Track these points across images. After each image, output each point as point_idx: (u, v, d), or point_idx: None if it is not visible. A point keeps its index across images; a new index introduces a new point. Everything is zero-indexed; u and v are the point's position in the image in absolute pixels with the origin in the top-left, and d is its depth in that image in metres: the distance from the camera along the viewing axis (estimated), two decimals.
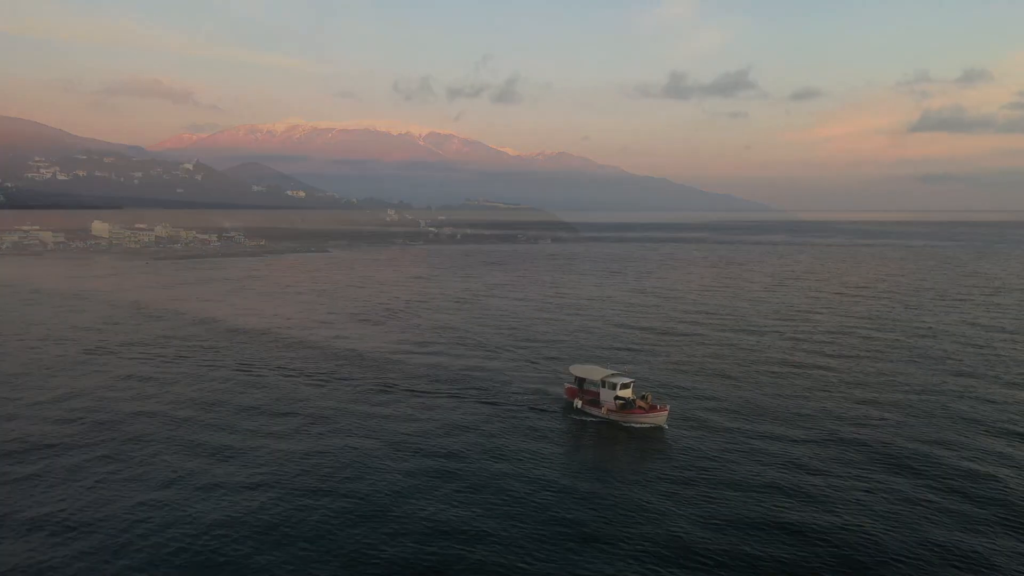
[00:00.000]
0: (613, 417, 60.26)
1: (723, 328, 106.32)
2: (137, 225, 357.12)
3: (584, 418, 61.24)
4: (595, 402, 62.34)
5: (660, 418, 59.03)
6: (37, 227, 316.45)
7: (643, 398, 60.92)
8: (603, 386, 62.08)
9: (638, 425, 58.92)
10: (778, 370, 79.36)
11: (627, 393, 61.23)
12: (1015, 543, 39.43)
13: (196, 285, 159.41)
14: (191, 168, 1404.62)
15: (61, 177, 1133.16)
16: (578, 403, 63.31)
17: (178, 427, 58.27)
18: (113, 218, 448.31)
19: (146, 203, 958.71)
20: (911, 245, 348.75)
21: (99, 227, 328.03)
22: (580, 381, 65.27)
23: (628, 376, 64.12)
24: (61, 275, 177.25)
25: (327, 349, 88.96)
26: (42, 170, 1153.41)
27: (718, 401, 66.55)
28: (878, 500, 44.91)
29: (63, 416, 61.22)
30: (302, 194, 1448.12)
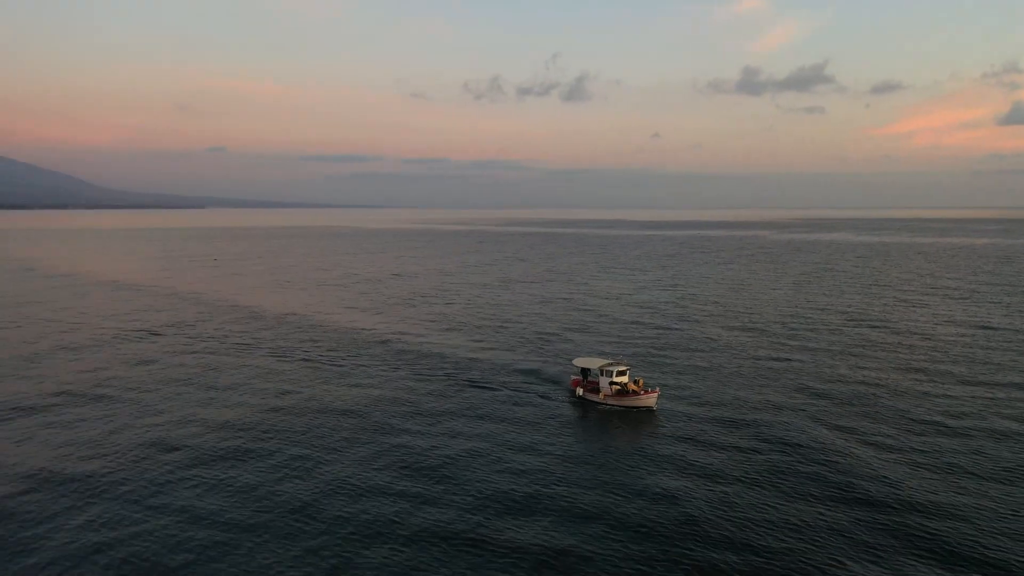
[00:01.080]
0: (610, 402, 66.09)
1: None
2: None
3: (585, 404, 67.28)
4: (595, 389, 68.18)
5: (650, 400, 64.81)
6: None
7: (635, 383, 66.84)
8: (601, 374, 67.97)
9: (633, 407, 64.87)
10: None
11: (622, 379, 66.95)
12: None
13: None
14: None
15: None
16: (580, 391, 69.26)
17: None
18: None
19: None
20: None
21: None
22: (584, 372, 71.06)
23: (624, 364, 69.78)
24: None
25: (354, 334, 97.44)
26: None
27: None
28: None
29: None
30: None
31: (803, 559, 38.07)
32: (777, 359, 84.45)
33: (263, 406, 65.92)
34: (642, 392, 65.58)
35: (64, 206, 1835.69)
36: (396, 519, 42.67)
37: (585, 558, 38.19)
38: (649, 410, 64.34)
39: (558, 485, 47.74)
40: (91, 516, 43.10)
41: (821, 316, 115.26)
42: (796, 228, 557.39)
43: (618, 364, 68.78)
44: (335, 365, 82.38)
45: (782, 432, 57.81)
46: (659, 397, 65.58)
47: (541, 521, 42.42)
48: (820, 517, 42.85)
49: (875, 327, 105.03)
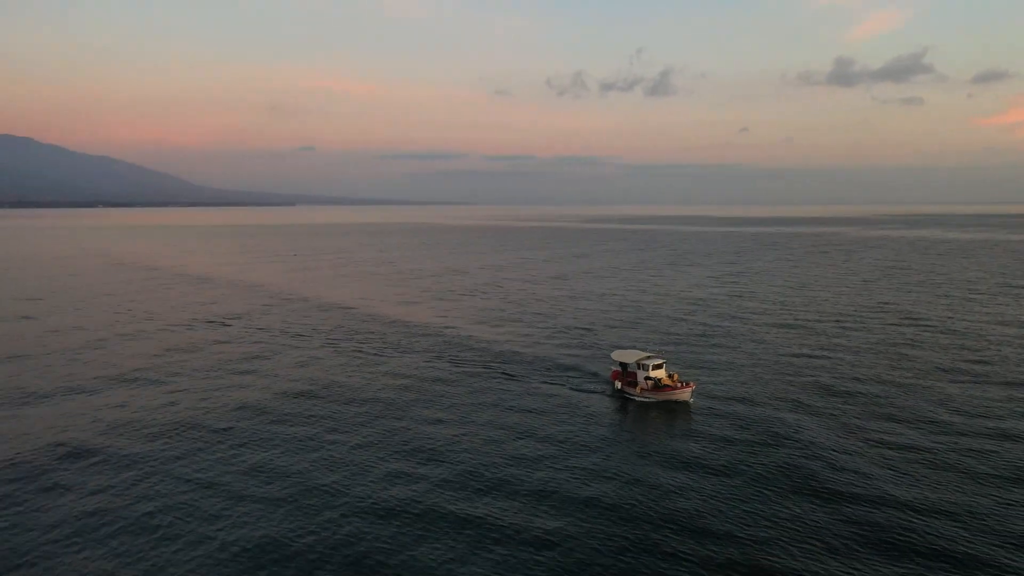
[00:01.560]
0: (646, 395, 66.29)
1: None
2: None
3: (623, 397, 67.67)
4: (633, 383, 68.45)
5: (685, 394, 64.76)
6: None
7: (671, 377, 66.86)
8: (638, 368, 68.17)
9: (668, 400, 65.00)
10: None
11: (658, 373, 66.99)
12: None
13: None
14: None
15: None
16: (618, 384, 69.66)
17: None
18: None
19: None
20: None
21: None
22: (623, 365, 71.32)
23: (661, 358, 69.75)
24: None
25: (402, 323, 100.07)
26: None
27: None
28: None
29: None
30: None
31: (819, 559, 37.82)
32: (822, 358, 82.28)
33: (301, 390, 68.92)
34: (677, 386, 65.59)
35: (165, 204, 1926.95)
36: (424, 500, 44.42)
37: (594, 549, 38.93)
38: (684, 404, 64.31)
39: (581, 475, 48.33)
40: (167, 470, 46.67)
41: (878, 315, 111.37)
42: (883, 224, 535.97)
43: (654, 358, 68.85)
44: (394, 354, 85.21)
45: (814, 435, 56.45)
46: (695, 391, 65.54)
47: (558, 508, 43.30)
48: (841, 519, 42.27)
49: (930, 327, 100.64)
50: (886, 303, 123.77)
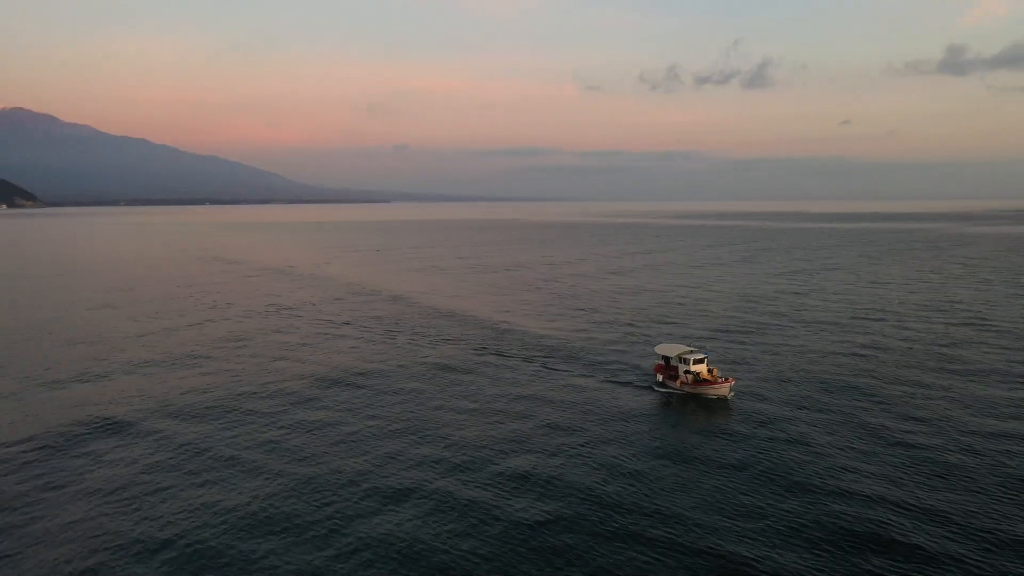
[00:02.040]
0: (686, 389, 66.04)
1: None
2: None
3: (664, 390, 67.60)
4: (674, 376, 68.24)
5: (723, 389, 64.17)
6: None
7: (710, 372, 66.26)
8: (680, 362, 67.89)
9: (705, 395, 64.56)
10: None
11: (699, 368, 66.52)
12: None
13: None
14: None
15: None
16: (659, 377, 69.57)
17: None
18: None
19: None
20: None
21: None
22: (666, 359, 71.11)
23: (703, 353, 69.20)
24: None
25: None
26: None
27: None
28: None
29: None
30: None
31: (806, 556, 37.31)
32: (871, 358, 79.30)
33: (344, 376, 71.67)
34: (717, 381, 65.04)
35: (267, 201, 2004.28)
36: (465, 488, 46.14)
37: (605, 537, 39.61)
38: (723, 399, 63.73)
39: (593, 463, 48.97)
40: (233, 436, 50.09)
41: (943, 315, 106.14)
42: (987, 220, 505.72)
43: (696, 353, 68.36)
44: (446, 344, 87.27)
45: (850, 441, 55.02)
46: (734, 387, 64.78)
47: (556, 495, 44.15)
48: (824, 519, 41.45)
49: (995, 329, 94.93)
50: (956, 302, 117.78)
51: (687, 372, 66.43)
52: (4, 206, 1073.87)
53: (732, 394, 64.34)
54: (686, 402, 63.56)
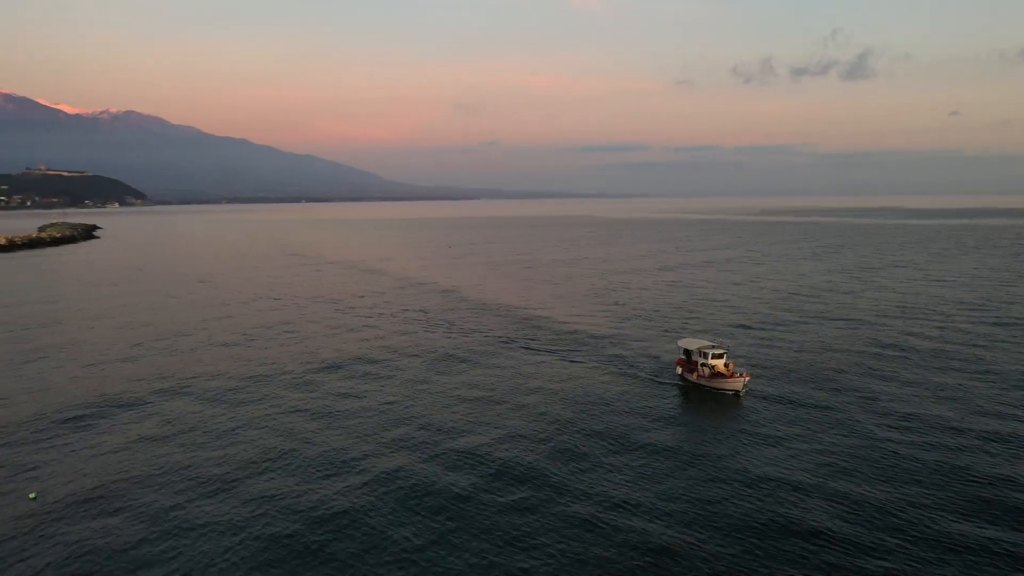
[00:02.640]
0: (702, 383, 67.12)
1: None
2: None
3: (682, 383, 68.85)
4: (693, 370, 69.35)
5: (736, 384, 64.83)
6: None
7: (726, 367, 66.96)
8: (699, 356, 68.92)
9: (720, 389, 65.54)
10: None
11: (716, 362, 67.34)
12: None
13: None
14: None
15: None
16: (679, 370, 70.82)
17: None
18: None
19: None
20: None
21: None
22: (687, 352, 72.16)
23: (722, 348, 69.86)
24: None
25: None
26: None
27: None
28: None
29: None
30: None
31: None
32: (898, 359, 77.67)
33: (374, 363, 75.48)
34: (730, 376, 65.75)
35: (359, 198, 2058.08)
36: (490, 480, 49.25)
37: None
38: (736, 394, 64.48)
39: (609, 459, 51.14)
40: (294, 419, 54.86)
41: (1001, 313, 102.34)
42: None
43: (716, 348, 69.11)
44: (501, 344, 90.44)
45: (861, 451, 55.03)
46: (748, 383, 65.23)
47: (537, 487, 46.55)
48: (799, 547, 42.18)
49: None
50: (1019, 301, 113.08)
51: (703, 365, 67.50)
52: (116, 204, 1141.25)
53: (745, 390, 64.92)
54: (701, 396, 64.62)
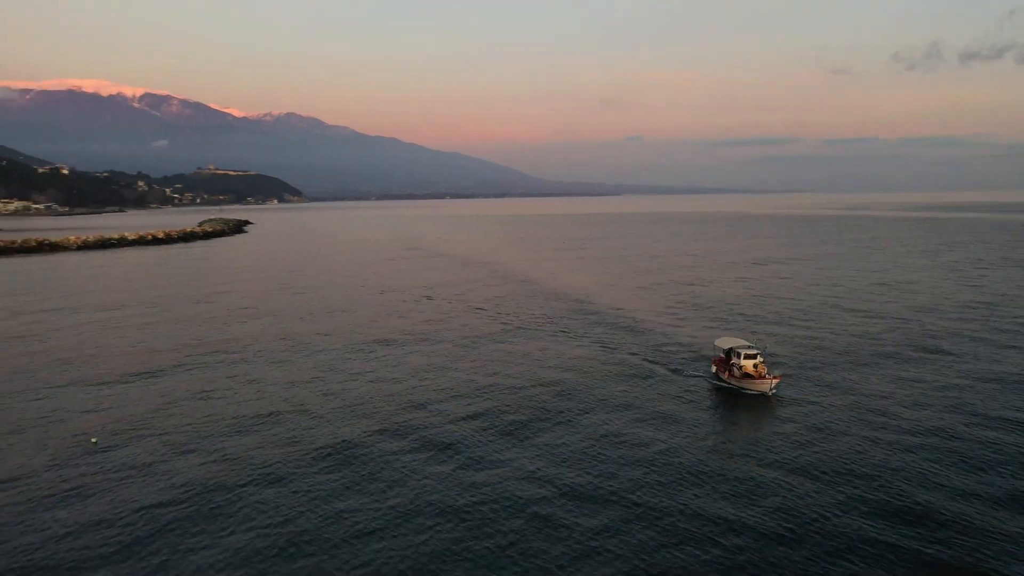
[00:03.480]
0: (732, 382, 66.89)
1: None
2: None
3: (716, 383, 68.83)
4: (727, 369, 69.17)
5: (763, 385, 64.16)
6: None
7: (755, 367, 66.21)
8: (733, 355, 68.61)
9: (747, 390, 65.14)
10: None
11: (747, 363, 66.77)
12: None
13: None
14: None
15: None
16: (713, 368, 70.73)
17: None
18: None
19: None
20: None
21: None
22: (726, 352, 71.83)
23: (756, 348, 68.97)
24: None
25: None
26: None
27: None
28: None
29: None
30: None
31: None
32: (974, 367, 73.41)
33: (433, 361, 79.59)
34: (758, 377, 65.12)
35: (503, 195, 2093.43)
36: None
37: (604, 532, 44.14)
38: (763, 395, 63.90)
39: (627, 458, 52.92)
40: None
41: None
42: None
43: (750, 348, 68.49)
44: (562, 337, 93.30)
45: (886, 472, 53.75)
46: (777, 385, 64.46)
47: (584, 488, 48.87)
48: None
49: None
50: None
51: (734, 365, 67.21)
52: (275, 201, 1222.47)
53: (774, 391, 64.21)
54: (737, 397, 64.57)
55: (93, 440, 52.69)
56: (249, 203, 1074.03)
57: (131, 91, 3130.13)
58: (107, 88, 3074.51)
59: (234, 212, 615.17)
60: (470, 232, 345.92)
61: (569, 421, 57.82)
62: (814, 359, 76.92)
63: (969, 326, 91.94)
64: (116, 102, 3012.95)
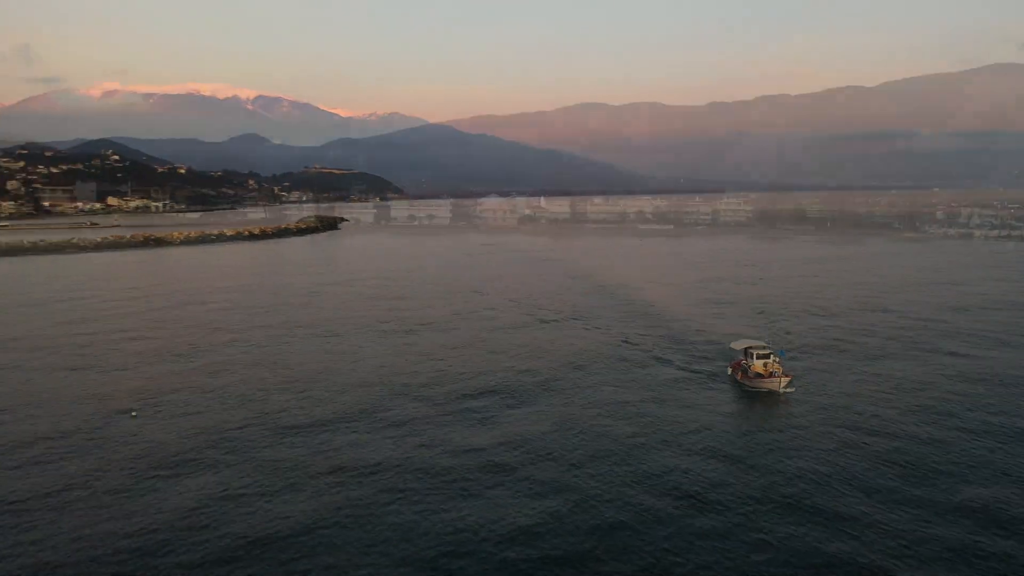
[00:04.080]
0: (745, 383, 67.73)
1: None
2: None
3: (733, 383, 69.64)
4: (742, 370, 69.94)
5: (773, 383, 64.97)
6: None
7: (764, 367, 66.82)
8: (745, 356, 69.47)
9: (757, 389, 66.11)
10: None
11: (756, 364, 67.49)
12: None
13: None
14: None
15: None
16: (729, 370, 71.58)
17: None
18: None
19: None
20: None
21: None
22: (746, 352, 72.45)
23: (769, 349, 69.45)
24: None
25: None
26: None
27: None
28: None
29: None
30: None
31: None
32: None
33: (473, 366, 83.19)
34: (768, 376, 65.81)
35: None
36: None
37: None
38: (773, 393, 64.61)
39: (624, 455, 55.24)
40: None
41: None
42: None
43: (762, 349, 69.20)
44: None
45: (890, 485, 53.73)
46: (789, 384, 64.98)
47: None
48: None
49: None
50: None
51: (746, 366, 68.08)
52: (377, 198, 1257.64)
53: (784, 390, 64.79)
54: (750, 397, 65.33)
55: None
56: (351, 200, 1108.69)
57: (246, 93, 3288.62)
58: (224, 91, 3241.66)
59: (335, 210, 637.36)
60: (567, 230, 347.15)
61: None
62: None
63: None
64: (232, 104, 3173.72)
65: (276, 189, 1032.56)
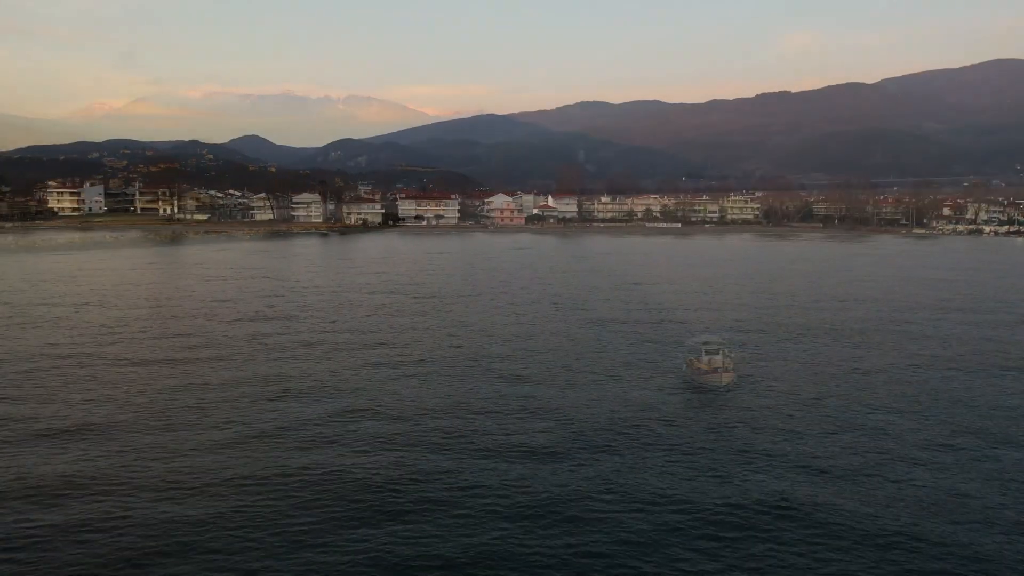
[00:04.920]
0: (695, 378, 70.97)
1: None
2: None
3: (687, 380, 72.06)
4: (694, 366, 72.96)
5: (715, 379, 68.85)
6: None
7: (708, 363, 69.98)
8: (699, 352, 72.61)
9: (703, 384, 69.45)
10: None
11: (704, 359, 70.62)
12: None
13: None
14: None
15: None
16: (684, 367, 74.47)
17: None
18: None
19: None
20: None
21: None
22: (696, 348, 75.25)
23: (718, 345, 72.25)
24: None
25: None
26: None
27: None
28: None
29: None
30: None
31: None
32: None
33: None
34: (711, 372, 69.02)
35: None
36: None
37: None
38: (716, 388, 67.86)
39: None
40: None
41: None
42: None
43: (713, 345, 72.08)
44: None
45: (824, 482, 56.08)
46: (731, 380, 68.53)
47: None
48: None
49: None
50: None
51: (697, 362, 71.29)
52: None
53: (727, 386, 68.09)
54: (691, 390, 68.58)
55: None
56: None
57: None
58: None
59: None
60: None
61: None
62: None
63: None
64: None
65: (359, 186, 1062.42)
